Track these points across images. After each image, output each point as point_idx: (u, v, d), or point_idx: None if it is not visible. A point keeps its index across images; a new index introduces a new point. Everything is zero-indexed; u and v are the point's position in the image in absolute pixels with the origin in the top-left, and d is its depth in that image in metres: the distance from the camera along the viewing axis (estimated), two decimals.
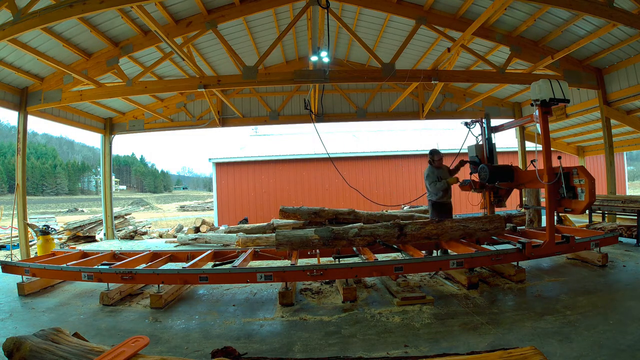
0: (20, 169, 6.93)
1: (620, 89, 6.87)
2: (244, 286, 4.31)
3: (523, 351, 1.59)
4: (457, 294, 3.79)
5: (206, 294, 4.16)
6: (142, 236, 10.73)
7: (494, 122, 5.36)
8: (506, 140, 14.78)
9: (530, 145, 11.04)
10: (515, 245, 4.28)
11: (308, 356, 2.59)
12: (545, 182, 4.04)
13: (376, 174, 14.68)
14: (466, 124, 5.23)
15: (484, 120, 5.30)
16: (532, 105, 4.14)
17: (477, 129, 5.38)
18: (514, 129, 10.52)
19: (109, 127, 9.77)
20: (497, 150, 5.33)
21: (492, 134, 5.19)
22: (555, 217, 7.26)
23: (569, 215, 7.98)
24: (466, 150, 5.66)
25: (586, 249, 4.48)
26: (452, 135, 17.56)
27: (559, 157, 4.02)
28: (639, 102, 6.92)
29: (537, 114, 4.14)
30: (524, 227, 5.98)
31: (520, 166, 10.34)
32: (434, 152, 5.49)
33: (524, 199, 5.34)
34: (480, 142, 5.32)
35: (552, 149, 12.77)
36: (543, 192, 7.34)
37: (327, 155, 14.20)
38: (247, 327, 3.18)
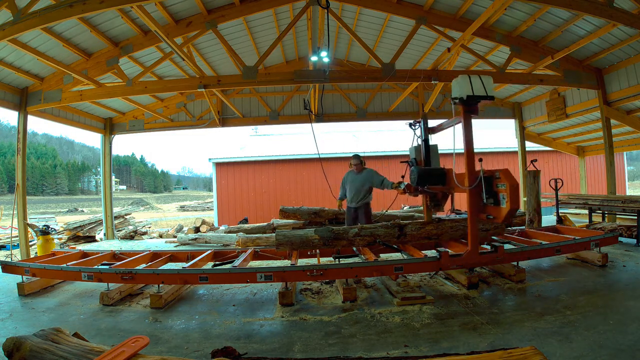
0: (20, 169, 6.93)
1: (620, 89, 6.87)
2: (244, 286, 4.31)
3: (523, 351, 1.59)
4: (457, 294, 3.79)
5: (206, 294, 4.16)
6: (142, 236, 10.73)
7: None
8: (506, 141, 14.83)
9: (530, 146, 11.04)
10: (515, 245, 4.29)
11: (308, 356, 2.59)
12: (465, 186, 3.66)
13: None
14: (410, 125, 4.91)
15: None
16: (452, 103, 3.84)
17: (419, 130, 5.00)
18: (514, 129, 10.49)
19: (109, 127, 9.77)
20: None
21: (429, 135, 4.80)
22: (555, 217, 7.31)
23: (569, 215, 7.99)
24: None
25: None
26: (452, 135, 17.58)
27: (480, 160, 3.64)
28: (639, 102, 6.92)
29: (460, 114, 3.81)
30: (524, 227, 5.97)
31: (520, 166, 10.33)
32: (355, 157, 5.68)
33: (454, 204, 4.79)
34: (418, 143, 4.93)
35: (552, 149, 12.66)
36: (543, 192, 7.37)
37: (327, 155, 14.27)
38: (247, 327, 3.18)
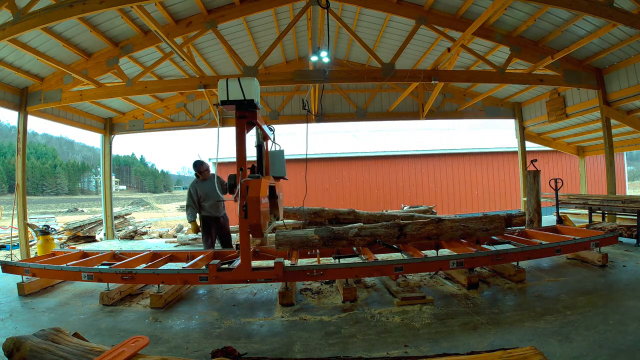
0: (20, 169, 6.93)
1: (620, 89, 6.87)
2: (244, 286, 4.31)
3: (523, 351, 1.60)
4: (457, 294, 3.79)
5: (206, 294, 4.16)
6: (142, 236, 10.73)
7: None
8: (506, 141, 14.83)
9: (530, 146, 11.04)
10: (515, 245, 4.29)
11: (308, 356, 2.59)
12: (232, 196, 3.44)
13: (376, 174, 14.68)
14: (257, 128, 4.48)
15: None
16: (216, 108, 3.67)
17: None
18: (514, 129, 10.49)
19: (109, 127, 9.77)
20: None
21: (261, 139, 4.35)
22: (555, 217, 7.31)
23: (569, 215, 7.99)
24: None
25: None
26: (452, 135, 17.59)
27: (241, 169, 3.39)
28: (639, 102, 6.92)
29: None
30: (524, 227, 5.97)
31: (520, 166, 10.32)
32: (198, 164, 5.35)
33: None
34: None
35: (552, 149, 12.62)
36: (543, 192, 7.37)
37: (327, 155, 14.28)
38: (247, 327, 3.18)
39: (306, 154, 6.36)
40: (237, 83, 3.37)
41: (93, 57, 6.57)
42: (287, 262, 3.97)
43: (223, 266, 4.29)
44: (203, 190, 5.35)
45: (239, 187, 3.34)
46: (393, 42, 7.82)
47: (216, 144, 4.00)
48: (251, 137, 3.95)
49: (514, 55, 6.52)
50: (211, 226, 5.51)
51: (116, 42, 6.41)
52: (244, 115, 3.50)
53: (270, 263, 4.92)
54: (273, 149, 4.73)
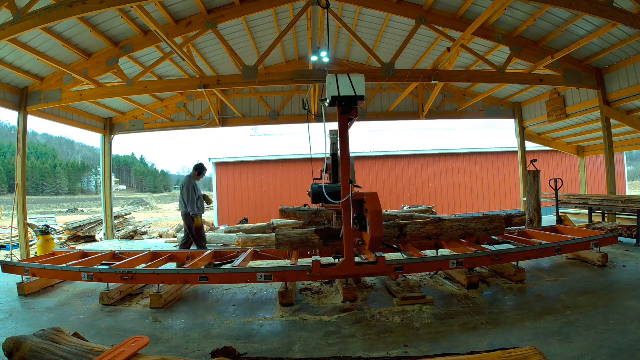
0: (20, 169, 6.93)
1: (620, 89, 6.87)
2: (244, 286, 4.31)
3: (523, 351, 1.60)
4: (457, 294, 3.79)
5: (206, 294, 4.16)
6: (142, 236, 10.73)
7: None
8: (507, 140, 14.83)
9: (530, 146, 11.05)
10: (515, 245, 4.29)
11: (308, 356, 2.59)
12: (339, 201, 3.43)
13: (376, 174, 14.68)
14: (328, 136, 4.61)
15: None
16: (322, 106, 3.57)
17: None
18: (514, 129, 10.49)
19: (109, 127, 9.77)
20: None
21: (337, 146, 4.34)
22: (555, 217, 7.31)
23: (569, 215, 7.99)
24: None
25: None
26: (452, 136, 17.59)
27: (351, 182, 3.39)
28: (639, 102, 6.92)
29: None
30: (524, 227, 5.97)
31: (520, 166, 10.33)
32: (203, 167, 5.85)
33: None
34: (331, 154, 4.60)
35: (552, 149, 12.59)
36: (543, 192, 7.37)
37: (326, 156, 14.27)
38: (247, 327, 3.18)
39: (310, 154, 6.36)
40: (347, 79, 3.35)
41: (93, 57, 6.57)
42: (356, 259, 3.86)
43: (224, 266, 4.29)
44: (198, 188, 5.75)
45: (349, 197, 3.36)
46: (393, 42, 7.82)
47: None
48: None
49: (514, 55, 6.52)
50: (203, 223, 5.98)
51: (116, 42, 6.41)
52: (345, 111, 3.47)
53: (271, 263, 4.94)
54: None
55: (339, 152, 3.76)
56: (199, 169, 5.86)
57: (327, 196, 3.60)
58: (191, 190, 5.59)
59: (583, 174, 11.59)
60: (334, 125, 3.89)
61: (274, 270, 3.75)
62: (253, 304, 3.80)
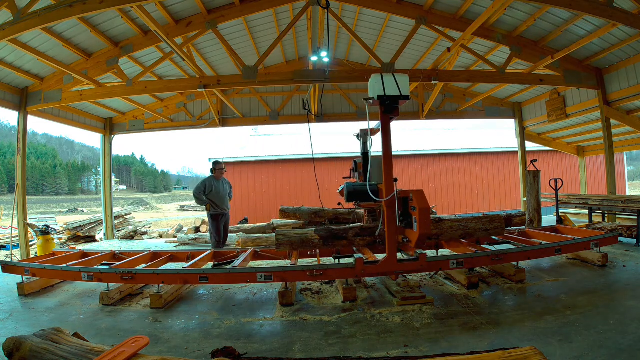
0: (20, 169, 6.93)
1: (621, 89, 6.87)
2: (244, 286, 4.31)
3: (523, 351, 1.59)
4: (457, 294, 3.79)
5: (206, 294, 4.16)
6: (142, 236, 10.73)
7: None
8: (507, 140, 14.83)
9: (530, 146, 11.04)
10: (515, 245, 4.29)
11: (308, 356, 2.59)
12: (382, 198, 3.48)
13: None
14: (357, 136, 4.67)
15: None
16: (366, 104, 3.69)
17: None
18: (514, 129, 10.49)
19: (109, 127, 9.77)
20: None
21: (368, 147, 4.47)
22: (555, 217, 7.31)
23: (569, 215, 7.99)
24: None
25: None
26: (452, 136, 17.59)
27: (395, 180, 3.46)
28: (639, 102, 6.92)
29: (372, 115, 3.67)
30: (524, 227, 5.97)
31: (520, 166, 10.33)
32: (217, 163, 6.28)
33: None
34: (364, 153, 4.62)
35: (552, 149, 12.58)
36: (543, 192, 7.37)
37: (327, 155, 14.28)
38: (247, 327, 3.18)
39: (312, 155, 6.40)
40: (393, 79, 3.45)
41: (93, 57, 6.57)
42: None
43: (224, 266, 4.29)
44: (214, 186, 6.15)
45: (394, 195, 3.42)
46: (393, 42, 7.82)
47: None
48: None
49: (514, 55, 6.52)
50: (220, 222, 6.19)
51: (116, 42, 6.41)
52: (388, 110, 3.54)
53: (271, 263, 4.93)
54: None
55: (375, 150, 3.94)
56: (213, 165, 6.29)
57: (370, 194, 3.69)
58: (199, 186, 6.18)
59: (583, 174, 11.59)
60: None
61: (274, 270, 3.75)
62: (253, 304, 3.81)
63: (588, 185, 11.92)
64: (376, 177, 4.14)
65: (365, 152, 4.38)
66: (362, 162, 4.38)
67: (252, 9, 6.13)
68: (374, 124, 4.24)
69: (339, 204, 4.45)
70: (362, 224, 5.53)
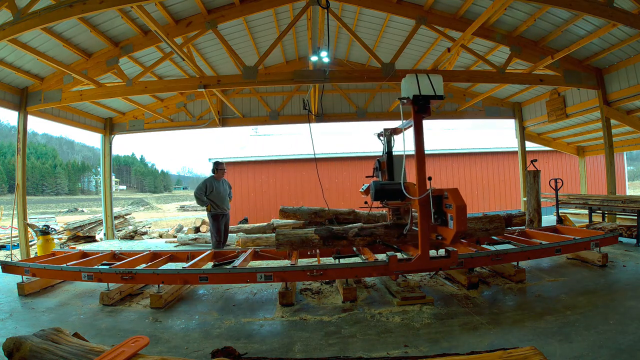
0: (20, 169, 6.93)
1: (621, 89, 6.87)
2: (244, 286, 4.31)
3: (523, 351, 1.60)
4: (457, 294, 3.79)
5: (206, 294, 4.16)
6: (142, 236, 10.73)
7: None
8: (507, 140, 14.83)
9: (530, 146, 11.04)
10: (515, 245, 4.28)
11: (308, 356, 2.59)
12: (415, 196, 3.54)
13: None
14: (378, 135, 4.73)
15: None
16: (400, 104, 3.73)
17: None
18: (514, 129, 10.50)
19: (109, 127, 9.77)
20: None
21: (392, 147, 4.55)
22: (555, 217, 7.31)
23: (569, 215, 7.99)
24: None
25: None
26: (452, 136, 17.59)
27: (429, 178, 3.53)
28: (639, 102, 6.92)
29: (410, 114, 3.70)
30: (524, 227, 5.97)
31: (520, 166, 10.33)
32: (217, 163, 6.30)
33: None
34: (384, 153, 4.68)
35: (552, 149, 12.56)
36: (543, 192, 7.37)
37: (327, 155, 14.28)
38: (247, 327, 3.18)
39: (314, 154, 6.45)
40: (427, 79, 3.53)
41: (93, 57, 6.57)
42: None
43: (224, 266, 4.29)
44: (215, 187, 6.18)
45: (428, 193, 3.47)
46: (393, 42, 7.82)
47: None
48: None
49: (514, 55, 6.52)
50: (220, 222, 6.20)
51: (116, 42, 6.41)
52: (421, 110, 3.59)
53: (271, 263, 4.93)
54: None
55: (403, 149, 4.01)
56: (214, 165, 6.33)
57: (405, 192, 3.73)
58: (200, 187, 6.20)
59: (583, 174, 11.59)
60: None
61: (274, 270, 3.75)
62: (253, 304, 3.80)
63: (588, 185, 11.92)
64: (399, 176, 4.23)
65: (389, 152, 4.44)
66: (387, 161, 4.43)
67: (252, 9, 6.13)
68: (396, 123, 4.28)
69: (366, 202, 4.52)
70: (361, 223, 5.54)
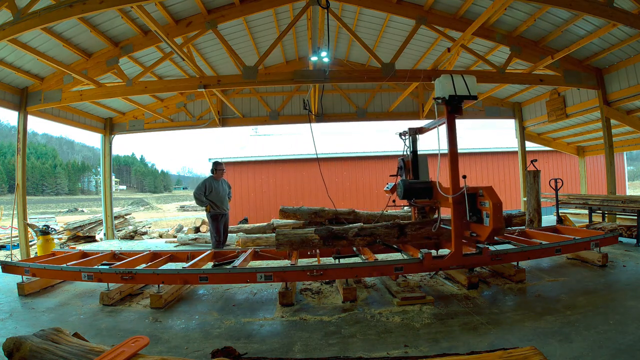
0: (20, 169, 6.93)
1: (620, 89, 6.87)
2: (244, 286, 4.31)
3: (523, 351, 1.59)
4: (457, 294, 3.79)
5: (206, 294, 4.16)
6: (142, 236, 10.73)
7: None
8: (507, 140, 14.83)
9: (530, 146, 11.04)
10: (515, 245, 4.27)
11: (308, 356, 2.59)
12: (449, 194, 3.59)
13: (376, 174, 14.68)
14: (400, 135, 4.80)
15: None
16: (435, 103, 3.80)
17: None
18: (514, 129, 10.50)
19: (109, 127, 9.77)
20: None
21: (417, 146, 4.66)
22: (555, 217, 7.30)
23: (569, 215, 7.99)
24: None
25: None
26: (431, 135, 17.56)
27: (464, 176, 3.59)
28: (639, 102, 6.92)
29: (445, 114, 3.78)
30: (524, 227, 5.97)
31: (520, 166, 10.33)
32: (217, 163, 6.30)
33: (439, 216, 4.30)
34: (407, 153, 4.78)
35: (552, 149, 12.56)
36: (543, 192, 7.37)
37: (327, 156, 14.29)
38: (247, 327, 3.18)
39: (316, 154, 6.49)
40: (462, 80, 3.59)
41: (93, 57, 6.57)
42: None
43: (224, 266, 4.30)
44: (214, 187, 6.19)
45: (463, 191, 3.56)
46: (393, 42, 7.82)
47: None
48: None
49: (514, 55, 6.52)
50: (220, 222, 6.22)
51: (116, 42, 6.41)
52: (455, 110, 3.66)
53: (271, 263, 4.93)
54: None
55: (416, 154, 4.24)
56: (213, 165, 6.33)
57: (418, 192, 3.91)
58: (200, 187, 6.21)
59: (583, 174, 11.59)
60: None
61: (274, 270, 3.75)
62: (253, 304, 3.80)
63: (588, 185, 11.92)
64: (425, 175, 4.34)
65: (414, 151, 4.53)
66: (412, 161, 4.51)
67: (252, 9, 6.13)
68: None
69: (394, 201, 4.60)
70: (361, 223, 5.54)
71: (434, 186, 4.08)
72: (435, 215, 4.35)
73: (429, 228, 4.39)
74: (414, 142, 4.59)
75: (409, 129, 4.62)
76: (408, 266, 3.74)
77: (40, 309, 3.81)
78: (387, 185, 4.78)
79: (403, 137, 4.69)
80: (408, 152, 4.66)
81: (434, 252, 3.80)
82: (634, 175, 56.86)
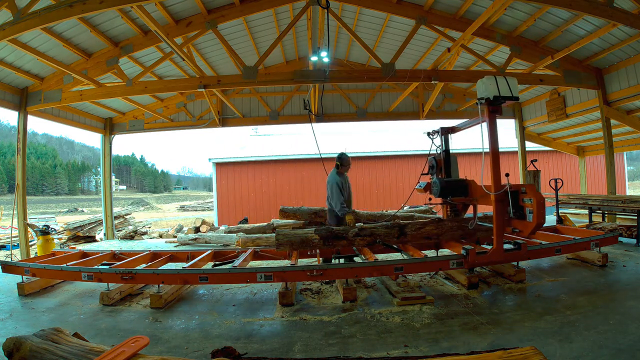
0: (20, 169, 6.93)
1: (621, 89, 6.87)
2: (244, 286, 4.31)
3: (523, 351, 1.59)
4: (457, 294, 3.79)
5: (206, 294, 4.16)
6: (142, 236, 10.72)
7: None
8: (506, 141, 14.82)
9: (530, 146, 11.04)
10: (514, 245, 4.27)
11: (308, 356, 2.59)
12: (492, 192, 3.70)
13: (376, 174, 14.68)
14: (429, 134, 4.81)
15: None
16: (477, 104, 3.90)
17: (438, 139, 4.82)
18: (514, 129, 10.50)
19: (109, 127, 9.77)
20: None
21: (449, 145, 4.71)
22: (555, 217, 7.30)
23: (569, 215, 7.99)
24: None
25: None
26: (452, 135, 17.57)
27: (507, 175, 3.78)
28: (639, 102, 6.92)
29: (485, 113, 3.84)
30: None
31: (520, 166, 10.33)
32: (343, 158, 5.04)
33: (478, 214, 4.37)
34: (437, 152, 4.76)
35: (552, 149, 12.56)
36: (543, 192, 7.36)
37: (327, 156, 14.28)
38: (247, 327, 3.18)
39: (320, 154, 6.50)
40: (505, 81, 3.75)
41: (93, 57, 6.57)
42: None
43: (224, 266, 4.29)
44: (346, 186, 5.03)
45: (506, 189, 3.74)
46: (393, 42, 7.82)
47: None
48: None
49: (514, 55, 6.52)
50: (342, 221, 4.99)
51: (116, 42, 6.41)
52: (495, 110, 3.80)
53: (271, 263, 4.93)
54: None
55: (449, 153, 4.39)
56: (340, 160, 5.04)
57: (454, 190, 4.11)
58: (336, 189, 4.88)
59: (583, 174, 11.59)
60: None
61: (274, 270, 3.75)
62: (253, 304, 3.80)
63: (588, 185, 11.92)
64: (455, 173, 4.50)
65: (447, 150, 4.65)
66: (444, 159, 4.62)
67: (252, 9, 6.13)
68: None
69: (430, 199, 4.68)
70: (361, 223, 5.54)
71: (470, 184, 4.23)
72: (470, 214, 4.48)
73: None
74: (446, 142, 4.70)
75: (441, 128, 4.73)
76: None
77: (40, 309, 3.81)
78: (419, 184, 4.83)
79: (431, 136, 4.79)
80: (438, 151, 4.75)
81: (470, 249, 3.76)
82: (634, 175, 56.84)
